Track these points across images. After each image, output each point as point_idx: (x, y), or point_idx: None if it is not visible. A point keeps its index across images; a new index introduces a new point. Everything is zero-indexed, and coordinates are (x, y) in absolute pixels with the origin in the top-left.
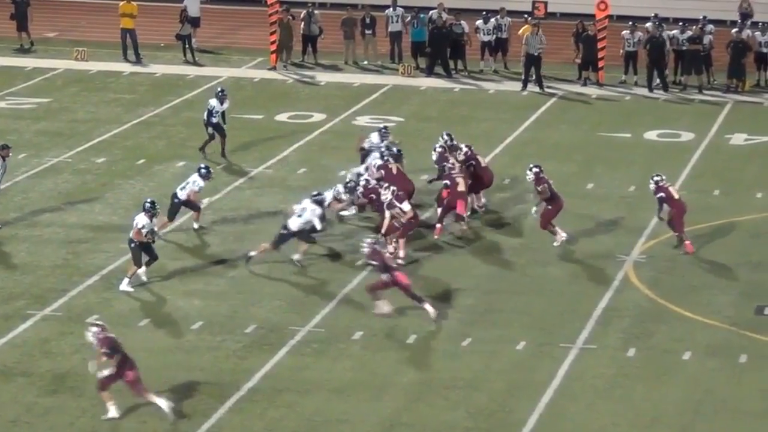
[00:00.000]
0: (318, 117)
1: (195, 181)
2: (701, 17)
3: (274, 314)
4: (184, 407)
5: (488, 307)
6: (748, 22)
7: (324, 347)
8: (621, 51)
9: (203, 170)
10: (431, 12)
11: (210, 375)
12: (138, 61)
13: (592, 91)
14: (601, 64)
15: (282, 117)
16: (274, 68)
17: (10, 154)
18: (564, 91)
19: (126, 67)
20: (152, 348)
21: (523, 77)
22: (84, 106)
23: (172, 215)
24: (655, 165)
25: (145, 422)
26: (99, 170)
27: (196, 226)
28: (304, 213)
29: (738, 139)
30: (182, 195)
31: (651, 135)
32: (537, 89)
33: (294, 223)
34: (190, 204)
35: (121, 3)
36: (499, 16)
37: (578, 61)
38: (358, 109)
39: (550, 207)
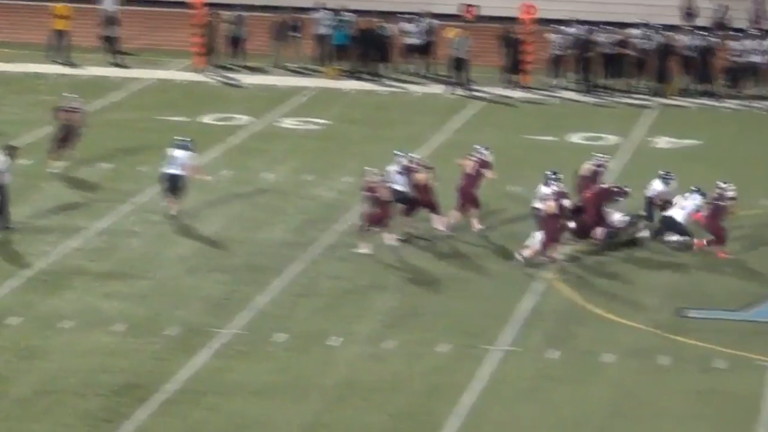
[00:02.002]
0: (243, 119)
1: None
2: (637, 21)
3: (196, 316)
4: (105, 410)
5: (411, 310)
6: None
7: (246, 349)
8: (548, 54)
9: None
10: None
11: (131, 377)
12: (67, 62)
13: (518, 94)
14: (527, 67)
15: (206, 119)
16: (200, 70)
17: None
18: (490, 94)
19: (53, 69)
20: (73, 350)
21: (449, 80)
22: (11, 107)
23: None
24: (578, 166)
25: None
26: (23, 172)
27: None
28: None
29: (662, 142)
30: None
31: (575, 138)
32: (463, 92)
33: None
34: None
35: (57, 5)
36: (425, 19)
37: (504, 64)
38: (283, 111)
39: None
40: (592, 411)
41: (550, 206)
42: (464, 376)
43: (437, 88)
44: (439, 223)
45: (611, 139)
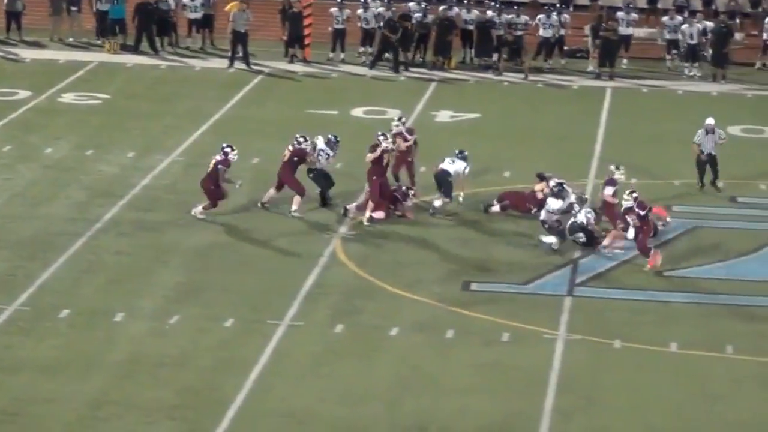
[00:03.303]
0: (23, 94)
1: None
2: None
3: None
4: None
5: (196, 285)
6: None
7: (30, 326)
8: (329, 28)
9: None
10: None
11: None
12: None
13: (299, 68)
14: (307, 41)
15: None
16: None
17: None
18: (271, 68)
19: None
20: None
21: (229, 54)
22: None
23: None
24: (362, 141)
25: None
26: None
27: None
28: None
29: (444, 116)
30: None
31: (358, 112)
32: (244, 66)
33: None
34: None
35: None
36: None
37: (285, 38)
38: (63, 86)
39: None
40: (378, 385)
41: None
42: (250, 351)
43: (219, 63)
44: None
45: (393, 113)
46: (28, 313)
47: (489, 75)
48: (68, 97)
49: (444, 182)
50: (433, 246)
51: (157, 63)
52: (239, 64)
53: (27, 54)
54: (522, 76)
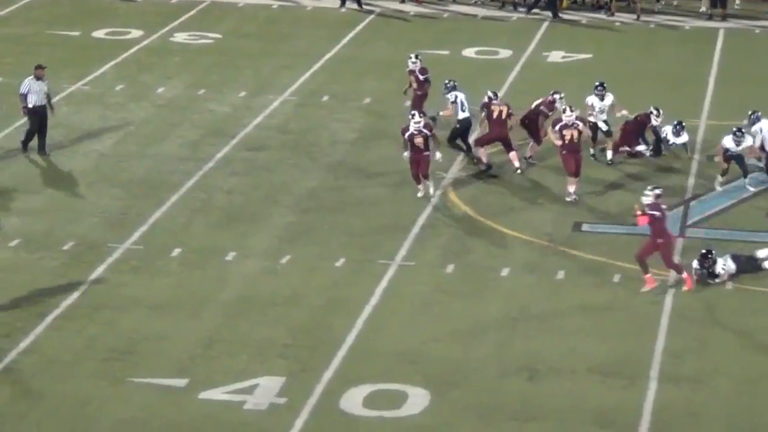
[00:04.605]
0: (135, 34)
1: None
2: None
3: (92, 231)
4: (2, 324)
5: (307, 225)
6: None
7: (142, 264)
8: None
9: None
10: None
11: (28, 293)
12: None
13: (410, 8)
14: None
15: (99, 34)
16: None
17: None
18: (382, 8)
19: None
20: None
21: None
22: None
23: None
24: (474, 82)
25: None
26: None
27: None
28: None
29: (555, 56)
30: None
31: (469, 52)
32: (355, 6)
33: None
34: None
35: None
36: None
37: None
38: (175, 25)
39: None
40: (488, 325)
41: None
42: (361, 291)
43: (330, 2)
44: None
45: (505, 53)
46: (141, 252)
47: (601, 15)
48: (180, 37)
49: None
50: (543, 187)
51: (268, 3)
52: (351, 4)
53: None
54: (634, 16)
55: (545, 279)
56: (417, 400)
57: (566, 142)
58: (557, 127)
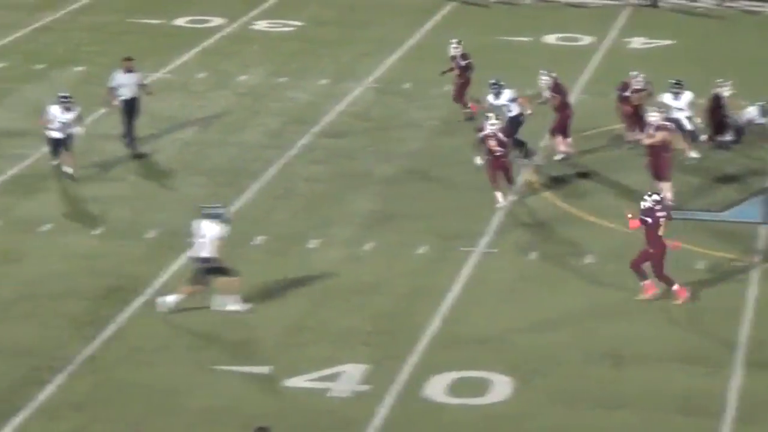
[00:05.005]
0: (216, 21)
1: None
2: None
3: (175, 219)
4: (87, 312)
5: (389, 212)
6: None
7: (225, 252)
8: None
9: None
10: None
11: (113, 280)
12: None
13: None
14: None
15: (180, 21)
16: None
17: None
18: None
19: None
20: (55, 253)
21: None
22: None
23: None
24: (554, 68)
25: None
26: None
27: None
28: None
29: (637, 42)
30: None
31: (550, 39)
32: None
33: None
34: None
35: None
36: None
37: None
38: (256, 13)
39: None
40: (570, 312)
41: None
42: (444, 278)
43: None
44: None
45: (586, 39)
46: (225, 239)
47: (683, 0)
48: (261, 25)
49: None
50: (625, 175)
51: None
52: None
53: None
54: (716, 1)
55: (628, 266)
56: (501, 387)
57: (653, 144)
58: (651, 129)
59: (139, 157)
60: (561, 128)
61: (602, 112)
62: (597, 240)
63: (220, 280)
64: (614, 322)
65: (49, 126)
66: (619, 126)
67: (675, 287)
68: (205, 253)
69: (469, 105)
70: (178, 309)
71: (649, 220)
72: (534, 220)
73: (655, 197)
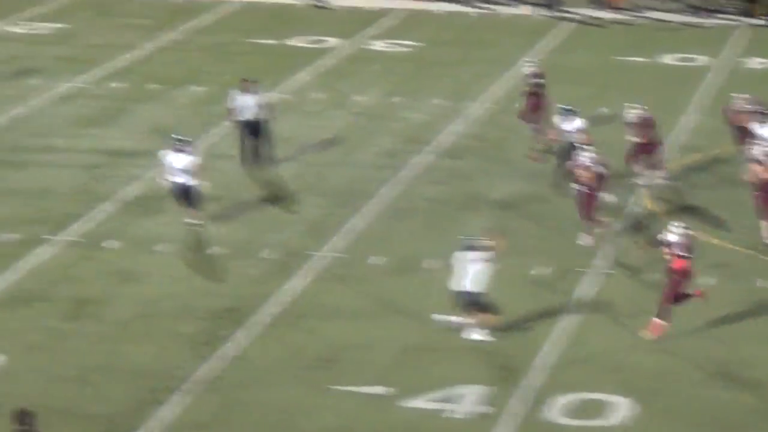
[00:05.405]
0: (332, 42)
1: None
2: None
3: (293, 239)
4: (203, 332)
5: (507, 233)
6: None
7: (344, 272)
8: None
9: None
10: None
11: (229, 300)
12: None
13: (606, 14)
14: None
15: (297, 41)
16: None
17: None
18: (579, 15)
19: None
20: (170, 274)
21: (538, 1)
22: (99, 31)
23: None
24: (670, 88)
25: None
26: (115, 95)
27: None
28: None
29: (754, 63)
30: None
31: (666, 59)
32: (552, 13)
33: None
34: None
35: None
36: None
37: None
38: (372, 33)
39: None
40: (690, 332)
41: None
42: (562, 298)
43: (526, 9)
44: None
45: (702, 59)
46: (342, 260)
47: None
48: (377, 45)
49: None
50: (744, 193)
51: (465, 10)
52: (546, 11)
53: (336, 2)
54: None
55: (745, 286)
56: (621, 409)
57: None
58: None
59: (264, 175)
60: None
61: (718, 132)
62: (713, 259)
63: (480, 315)
64: (734, 343)
65: (167, 175)
66: (728, 146)
67: (659, 321)
68: (467, 286)
69: (546, 133)
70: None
71: (690, 255)
72: (650, 241)
73: (685, 229)
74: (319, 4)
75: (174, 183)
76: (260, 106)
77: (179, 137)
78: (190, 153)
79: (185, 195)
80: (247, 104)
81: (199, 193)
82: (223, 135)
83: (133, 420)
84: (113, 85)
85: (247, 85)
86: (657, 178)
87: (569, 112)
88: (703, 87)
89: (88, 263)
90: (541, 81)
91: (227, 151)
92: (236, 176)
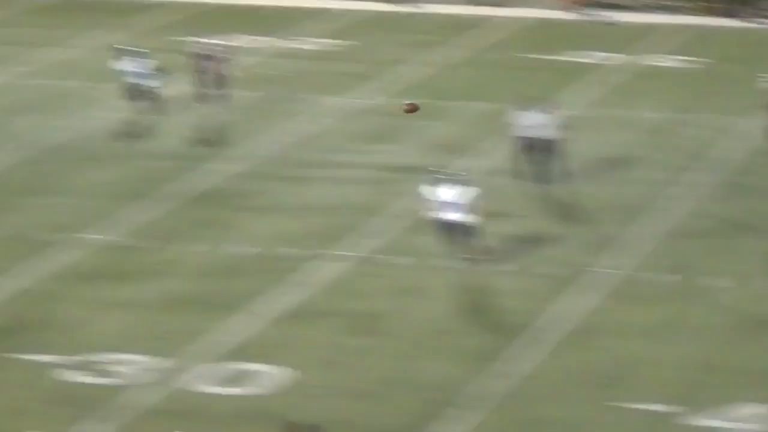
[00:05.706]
0: (618, 58)
1: None
2: None
3: (574, 255)
4: (492, 349)
5: None
6: None
7: (634, 289)
8: None
9: None
10: None
11: (517, 317)
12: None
13: None
14: None
15: (584, 58)
16: (571, 8)
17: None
18: None
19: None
20: (454, 289)
21: None
22: (386, 47)
23: None
24: None
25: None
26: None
27: None
28: None
29: None
30: None
31: None
32: None
33: None
34: None
35: None
36: None
37: None
38: (662, 50)
39: None
40: None
41: None
42: None
43: None
44: None
45: None
46: (631, 277)
47: None
48: (665, 61)
49: None
50: None
51: (753, 26)
52: None
53: (621, 17)
54: None
55: None
56: None
57: None
58: None
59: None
60: None
61: None
62: None
63: None
64: None
65: (433, 210)
66: None
67: None
68: None
69: None
70: None
71: None
72: None
73: None
74: (609, 21)
75: (444, 220)
76: (550, 124)
77: (449, 172)
78: (465, 184)
79: (459, 232)
80: (535, 121)
81: (476, 229)
82: (509, 152)
83: None
84: (398, 101)
85: (535, 102)
86: None
87: None
88: None
89: (374, 279)
90: None
91: (500, 165)
92: (520, 194)
